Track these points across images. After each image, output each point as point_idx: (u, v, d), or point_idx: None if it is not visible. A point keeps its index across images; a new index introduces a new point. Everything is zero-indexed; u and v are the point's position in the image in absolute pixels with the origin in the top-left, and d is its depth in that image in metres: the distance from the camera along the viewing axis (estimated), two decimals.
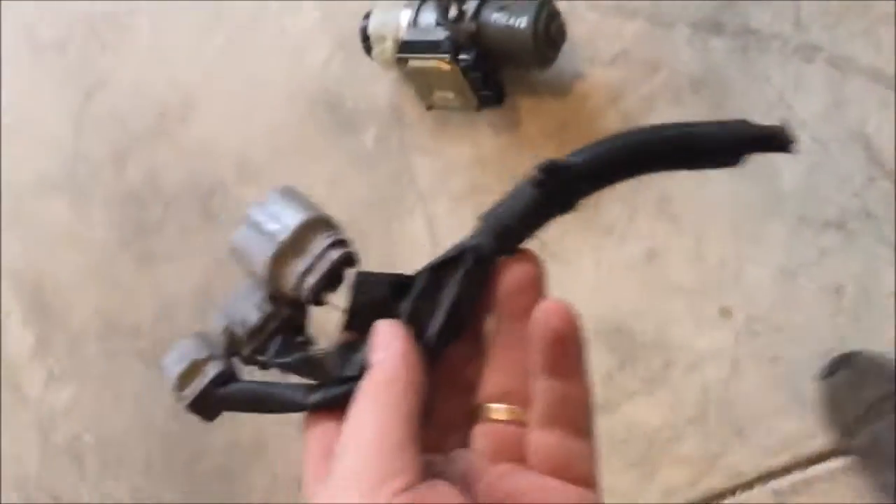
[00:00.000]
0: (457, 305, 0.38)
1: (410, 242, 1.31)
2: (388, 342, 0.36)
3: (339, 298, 0.40)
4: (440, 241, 1.29)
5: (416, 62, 1.16)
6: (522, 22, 1.12)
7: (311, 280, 0.39)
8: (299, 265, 0.40)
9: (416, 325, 0.38)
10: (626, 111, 1.22)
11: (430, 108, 1.23)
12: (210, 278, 1.39)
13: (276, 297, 0.41)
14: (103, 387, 1.47)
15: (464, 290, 0.38)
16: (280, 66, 1.39)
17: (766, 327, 1.14)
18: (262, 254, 0.40)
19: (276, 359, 0.40)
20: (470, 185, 1.29)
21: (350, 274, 0.40)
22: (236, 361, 0.42)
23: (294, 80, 1.38)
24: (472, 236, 0.39)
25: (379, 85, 1.31)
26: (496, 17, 1.14)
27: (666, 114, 1.20)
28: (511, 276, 0.38)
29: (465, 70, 1.13)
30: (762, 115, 1.17)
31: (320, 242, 0.40)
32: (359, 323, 0.39)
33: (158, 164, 1.47)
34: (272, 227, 0.40)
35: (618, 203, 1.20)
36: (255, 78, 1.40)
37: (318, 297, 0.40)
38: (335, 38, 1.35)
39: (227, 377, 0.42)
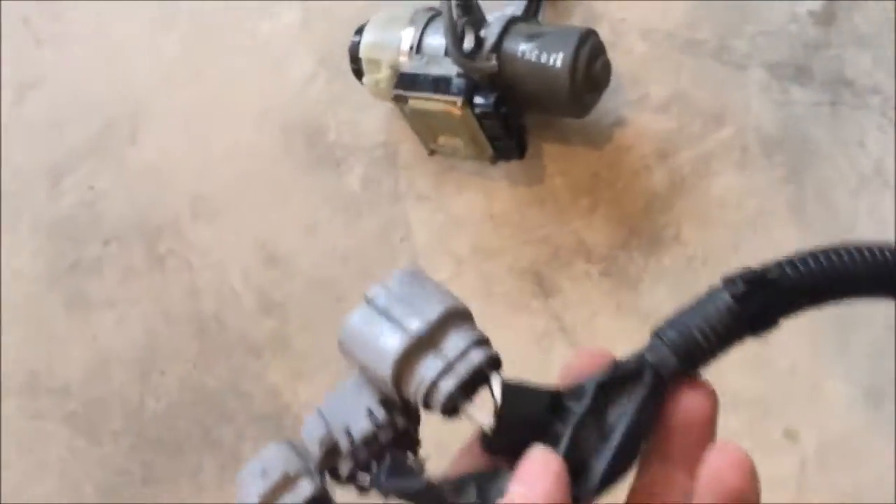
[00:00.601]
0: (631, 437, 0.32)
1: None
2: (538, 477, 0.31)
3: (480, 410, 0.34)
4: None
5: (417, 102, 0.90)
6: (558, 59, 0.87)
7: (449, 385, 0.33)
8: (433, 367, 0.33)
9: (575, 455, 0.32)
10: (677, 171, 0.97)
11: (432, 153, 0.98)
12: (153, 333, 1.14)
13: (389, 402, 0.35)
14: (24, 452, 1.23)
15: (641, 418, 0.33)
16: (250, 79, 1.13)
17: (841, 458, 0.90)
18: (388, 348, 0.33)
19: (387, 482, 0.33)
20: (478, 247, 1.04)
21: (493, 381, 0.34)
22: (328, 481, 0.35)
23: (267, 98, 1.12)
24: (649, 348, 0.34)
25: (370, 114, 1.05)
26: (524, 51, 0.89)
27: (728, 179, 0.96)
28: (683, 406, 0.34)
29: (481, 117, 0.88)
30: (852, 191, 0.93)
31: (460, 340, 0.34)
32: (501, 444, 0.33)
33: (100, 187, 1.21)
34: (405, 316, 0.34)
35: (661, 283, 0.96)
36: (219, 91, 1.14)
37: (452, 406, 0.34)
38: (319, 52, 1.09)
39: (321, 501, 0.34)
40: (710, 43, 0.96)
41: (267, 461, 0.35)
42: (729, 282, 0.34)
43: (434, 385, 0.33)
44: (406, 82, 0.91)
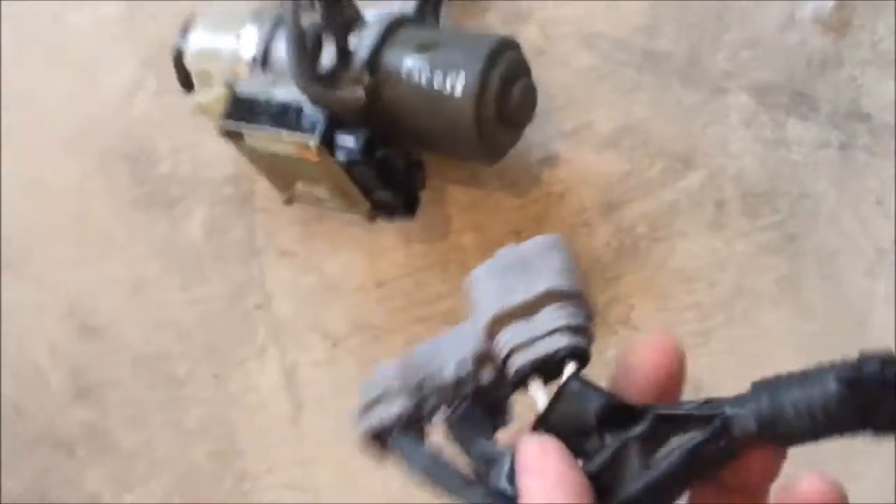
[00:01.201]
0: (671, 477, 0.31)
1: (255, 404, 0.79)
2: (545, 464, 0.30)
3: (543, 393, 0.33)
4: (304, 404, 0.78)
5: (257, 140, 0.62)
6: (457, 84, 0.59)
7: (523, 358, 0.33)
8: (517, 336, 0.33)
9: (607, 475, 0.31)
10: (627, 230, 0.71)
11: (290, 202, 0.70)
12: None
13: (485, 358, 0.35)
14: None
15: (690, 463, 0.30)
16: (57, 87, 0.83)
17: None
18: (486, 308, 0.34)
19: (455, 425, 0.34)
20: (359, 324, 0.77)
21: (566, 369, 0.33)
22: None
23: (78, 113, 0.82)
24: (736, 401, 0.31)
25: (216, 138, 0.76)
26: (412, 69, 0.60)
27: (696, 243, 0.70)
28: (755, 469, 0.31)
29: (348, 165, 0.60)
30: (867, 267, 0.67)
31: (553, 320, 0.33)
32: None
33: None
34: (514, 280, 0.34)
35: (604, 380, 0.69)
36: (15, 104, 0.83)
37: (519, 380, 0.33)
38: (147, 51, 0.79)
39: (410, 420, 0.35)
40: (676, 56, 0.69)
41: (383, 373, 0.37)
42: (848, 365, 0.30)
43: (511, 353, 0.33)
44: (239, 111, 0.62)
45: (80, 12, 0.81)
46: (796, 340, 0.68)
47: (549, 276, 0.34)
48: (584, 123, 0.71)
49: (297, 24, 0.56)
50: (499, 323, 0.34)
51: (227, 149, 0.71)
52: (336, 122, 0.60)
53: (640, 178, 0.70)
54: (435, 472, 0.34)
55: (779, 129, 0.68)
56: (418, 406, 0.35)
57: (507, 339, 0.34)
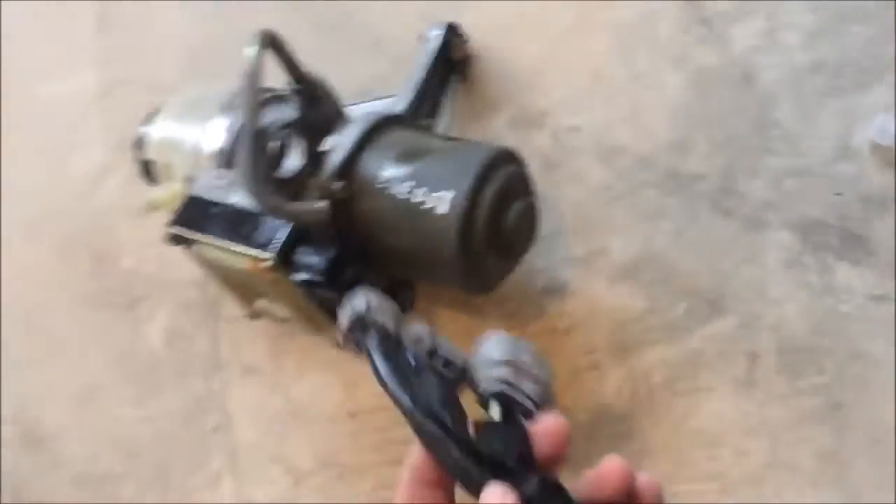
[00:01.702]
0: None
1: None
2: None
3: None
4: None
5: (207, 249, 0.53)
6: (443, 202, 0.50)
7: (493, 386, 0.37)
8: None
9: None
10: (642, 378, 0.60)
11: (255, 316, 0.61)
12: None
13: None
14: None
15: None
16: (23, 162, 0.75)
17: None
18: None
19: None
20: (326, 459, 0.66)
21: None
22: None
23: (43, 193, 0.74)
24: None
25: None
26: (391, 178, 0.52)
27: (722, 403, 0.58)
28: None
29: (308, 286, 0.51)
30: None
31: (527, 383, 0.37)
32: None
33: None
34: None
35: None
36: None
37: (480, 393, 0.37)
38: (118, 132, 0.72)
39: (387, 334, 0.38)
40: (708, 179, 0.59)
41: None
42: None
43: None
44: (191, 214, 0.54)
45: (52, 85, 0.74)
46: None
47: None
48: (597, 250, 0.61)
49: (252, 117, 0.47)
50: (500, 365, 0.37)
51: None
52: (301, 236, 0.51)
53: (659, 319, 0.60)
54: (394, 381, 0.36)
55: (826, 274, 0.57)
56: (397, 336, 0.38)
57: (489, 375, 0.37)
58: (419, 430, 0.35)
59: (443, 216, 0.50)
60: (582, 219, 0.62)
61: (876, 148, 0.55)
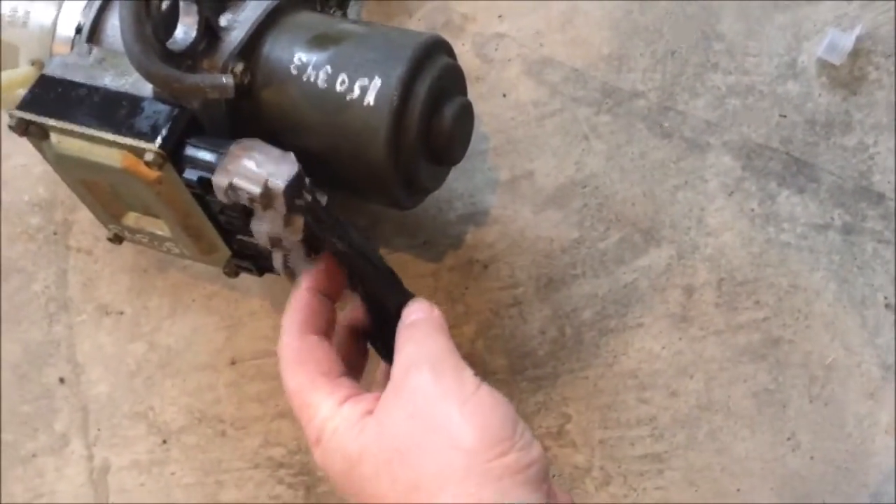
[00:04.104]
0: None
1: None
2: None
3: None
4: None
5: (69, 142, 0.42)
6: (370, 91, 0.42)
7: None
8: None
9: None
10: (567, 316, 0.54)
11: (116, 240, 0.50)
12: None
13: None
14: None
15: None
16: None
17: None
18: None
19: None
20: (199, 411, 0.57)
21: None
22: None
23: None
24: None
25: (20, 149, 0.55)
26: (305, 65, 0.43)
27: (656, 338, 0.54)
28: None
29: (203, 193, 0.41)
30: (868, 389, 0.53)
31: None
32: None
33: None
34: None
35: None
36: None
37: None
38: None
39: None
40: (647, 97, 0.54)
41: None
42: None
43: None
44: (47, 99, 0.42)
45: None
46: (775, 476, 0.52)
47: None
48: (523, 174, 0.55)
49: None
50: None
51: (38, 163, 0.52)
52: (191, 126, 0.41)
53: (589, 251, 0.54)
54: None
55: (768, 201, 0.53)
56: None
57: None
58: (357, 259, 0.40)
59: (369, 108, 0.42)
60: (507, 138, 0.55)
61: (824, 66, 0.52)
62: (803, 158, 0.53)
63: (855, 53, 0.51)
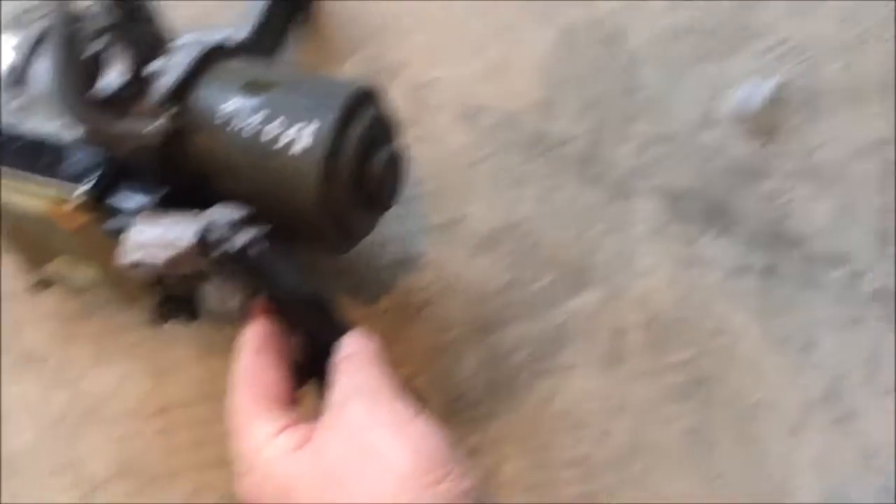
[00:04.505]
0: None
1: None
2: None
3: None
4: None
5: None
6: (302, 138, 0.42)
7: None
8: None
9: None
10: (500, 357, 0.55)
11: (42, 285, 0.49)
12: None
13: None
14: None
15: None
16: None
17: None
18: None
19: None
20: (126, 462, 0.55)
21: None
22: None
23: None
24: None
25: None
26: (237, 110, 0.43)
27: (588, 379, 0.55)
28: None
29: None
30: (790, 426, 0.54)
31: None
32: None
33: None
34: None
35: None
36: None
37: None
38: None
39: None
40: (575, 144, 0.56)
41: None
42: None
43: None
44: None
45: None
46: None
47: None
48: (456, 218, 0.56)
49: (67, 11, 0.37)
50: None
51: None
52: (117, 173, 0.41)
53: (522, 293, 0.55)
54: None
55: (692, 244, 0.55)
56: None
57: None
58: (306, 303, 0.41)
59: (300, 155, 0.42)
60: (440, 183, 0.56)
61: (740, 116, 0.54)
62: (724, 204, 0.55)
63: (772, 103, 0.54)
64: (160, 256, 0.36)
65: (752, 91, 0.54)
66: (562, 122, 0.56)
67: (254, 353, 0.39)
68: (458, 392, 0.55)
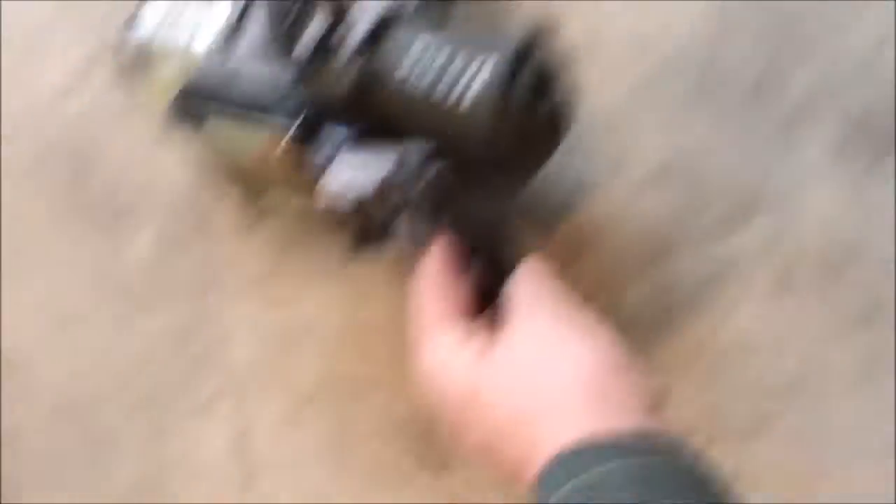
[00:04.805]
0: None
1: (197, 470, 0.64)
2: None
3: None
4: (257, 475, 0.63)
5: (218, 128, 0.48)
6: (472, 88, 0.45)
7: None
8: None
9: None
10: (668, 288, 0.57)
11: (259, 217, 0.56)
12: None
13: None
14: None
15: None
16: None
17: None
18: None
19: None
20: (332, 376, 0.62)
21: None
22: None
23: (12, 101, 0.68)
24: None
25: (168, 144, 0.62)
26: (413, 65, 0.47)
27: (758, 306, 0.56)
28: None
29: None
30: None
31: None
32: None
33: None
34: None
35: None
36: None
37: None
38: (94, 34, 0.66)
39: None
40: (748, 71, 0.56)
41: None
42: None
43: None
44: (198, 92, 0.49)
45: None
46: (877, 442, 0.54)
47: None
48: (623, 151, 0.58)
49: None
50: None
51: (184, 156, 0.58)
52: (320, 112, 0.46)
53: (690, 226, 0.57)
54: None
55: (874, 167, 0.54)
56: None
57: None
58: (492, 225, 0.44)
59: (479, 90, 0.46)
60: (610, 116, 0.58)
61: None
62: None
63: None
64: (362, 187, 0.42)
65: None
66: (734, 52, 0.56)
67: (438, 267, 0.42)
68: (628, 318, 0.57)
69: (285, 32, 0.44)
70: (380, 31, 0.48)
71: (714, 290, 0.56)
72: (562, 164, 0.58)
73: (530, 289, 0.40)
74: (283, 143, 0.45)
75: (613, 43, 0.58)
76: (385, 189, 0.42)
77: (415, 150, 0.43)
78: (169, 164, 0.64)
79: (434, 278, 0.42)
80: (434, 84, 0.46)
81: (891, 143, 0.53)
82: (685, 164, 0.57)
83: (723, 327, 0.56)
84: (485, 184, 0.51)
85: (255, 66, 0.47)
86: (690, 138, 0.57)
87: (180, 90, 0.48)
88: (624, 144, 0.58)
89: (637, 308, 0.57)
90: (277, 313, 0.63)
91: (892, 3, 0.54)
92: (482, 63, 0.46)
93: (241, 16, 0.51)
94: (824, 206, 0.55)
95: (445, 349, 0.40)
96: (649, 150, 0.57)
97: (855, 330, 0.54)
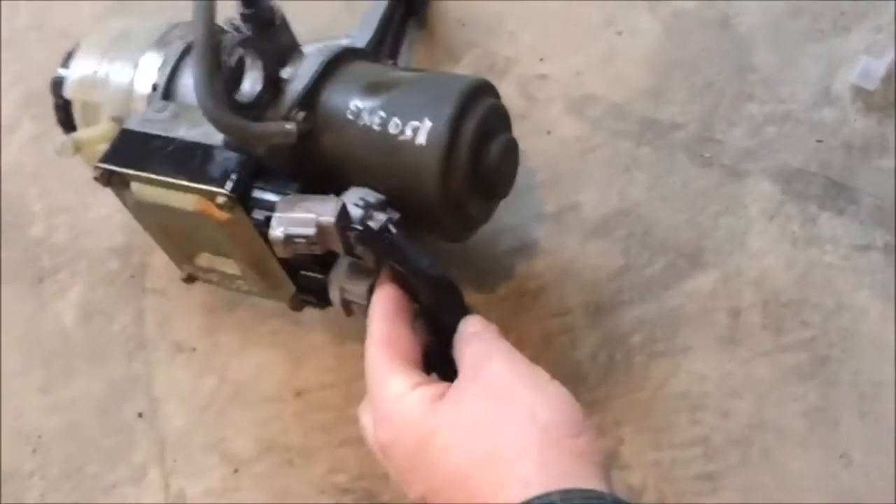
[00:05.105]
0: None
1: None
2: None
3: None
4: None
5: (146, 189, 0.46)
6: (421, 132, 0.45)
7: None
8: None
9: None
10: (617, 340, 0.56)
11: (190, 280, 0.54)
12: None
13: None
14: None
15: None
16: None
17: None
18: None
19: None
20: (269, 444, 0.59)
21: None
22: None
23: None
24: None
25: (100, 200, 0.59)
26: (360, 111, 0.46)
27: (705, 361, 0.55)
28: None
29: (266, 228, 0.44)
30: None
31: None
32: None
33: None
34: None
35: None
36: None
37: None
38: (27, 85, 0.64)
39: None
40: (686, 128, 0.56)
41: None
42: None
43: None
44: (127, 151, 0.46)
45: None
46: (829, 493, 0.53)
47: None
48: (568, 205, 0.58)
49: (209, 28, 0.41)
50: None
51: (116, 212, 0.56)
52: (256, 169, 0.45)
53: (636, 277, 0.56)
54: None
55: (809, 224, 0.55)
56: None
57: None
58: (435, 282, 0.42)
59: (421, 148, 0.45)
60: (552, 173, 0.58)
61: (858, 92, 0.54)
62: (842, 181, 0.54)
63: (887, 79, 0.53)
64: (308, 231, 0.40)
65: (868, 67, 0.54)
66: (672, 108, 0.57)
67: (388, 315, 0.42)
68: (576, 375, 0.56)
69: (220, 88, 0.42)
70: (319, 82, 0.48)
71: (663, 340, 0.56)
72: (503, 221, 0.57)
73: (481, 345, 0.40)
74: (218, 202, 0.43)
75: (553, 102, 0.58)
76: (329, 234, 0.41)
77: (362, 195, 0.42)
78: (98, 222, 0.62)
79: (383, 324, 0.42)
80: (385, 126, 0.45)
81: (822, 203, 0.54)
82: (628, 219, 0.57)
83: (673, 379, 0.55)
84: (430, 233, 0.50)
85: (187, 127, 0.46)
86: (633, 193, 0.57)
87: (105, 153, 0.46)
88: (566, 200, 0.57)
89: (590, 360, 0.56)
90: (210, 378, 0.60)
91: (824, 64, 0.55)
92: (433, 111, 0.45)
93: (172, 72, 0.49)
94: (766, 261, 0.55)
95: (399, 393, 0.39)
96: (592, 205, 0.57)
97: (799, 385, 0.54)
